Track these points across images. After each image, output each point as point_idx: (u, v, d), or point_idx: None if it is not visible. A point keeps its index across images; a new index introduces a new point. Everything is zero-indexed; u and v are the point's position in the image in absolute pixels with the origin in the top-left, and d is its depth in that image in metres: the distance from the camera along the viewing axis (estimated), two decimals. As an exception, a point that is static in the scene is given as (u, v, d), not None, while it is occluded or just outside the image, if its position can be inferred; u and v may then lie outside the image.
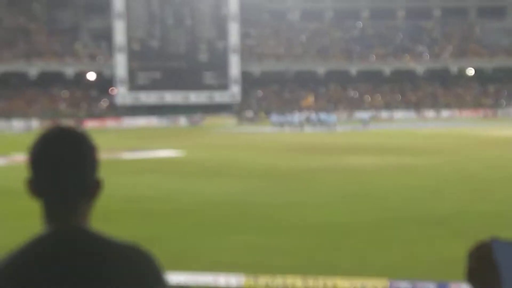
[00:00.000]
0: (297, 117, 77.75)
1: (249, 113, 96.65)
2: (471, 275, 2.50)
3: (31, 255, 2.66)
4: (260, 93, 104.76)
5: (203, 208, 21.31)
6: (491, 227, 16.51)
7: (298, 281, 10.20)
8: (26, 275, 2.63)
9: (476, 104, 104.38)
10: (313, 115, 79.40)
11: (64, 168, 2.71)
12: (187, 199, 23.26)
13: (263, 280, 10.19)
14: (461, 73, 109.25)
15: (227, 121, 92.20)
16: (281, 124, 74.76)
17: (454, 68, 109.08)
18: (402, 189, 24.62)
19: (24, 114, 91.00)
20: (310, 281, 10.24)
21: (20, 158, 38.52)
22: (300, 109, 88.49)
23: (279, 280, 10.21)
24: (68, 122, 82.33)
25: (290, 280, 10.06)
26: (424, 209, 20.19)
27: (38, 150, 2.74)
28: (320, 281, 10.24)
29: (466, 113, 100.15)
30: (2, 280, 2.65)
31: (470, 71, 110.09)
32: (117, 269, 2.61)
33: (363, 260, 13.79)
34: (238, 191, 25.33)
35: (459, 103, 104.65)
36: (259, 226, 18.27)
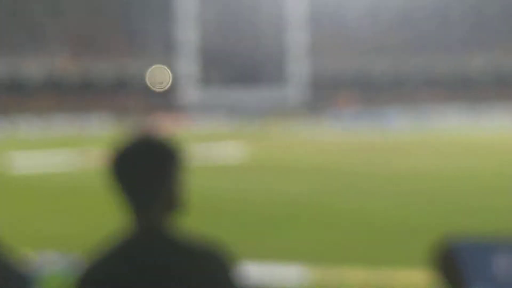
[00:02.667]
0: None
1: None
2: (435, 269, 2.72)
3: (121, 256, 2.80)
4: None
5: (270, 204, 22.63)
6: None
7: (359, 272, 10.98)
8: (117, 277, 2.78)
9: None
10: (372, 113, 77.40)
11: (142, 179, 2.83)
12: (257, 197, 24.62)
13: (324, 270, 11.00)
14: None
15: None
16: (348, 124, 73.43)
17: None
18: (469, 193, 25.07)
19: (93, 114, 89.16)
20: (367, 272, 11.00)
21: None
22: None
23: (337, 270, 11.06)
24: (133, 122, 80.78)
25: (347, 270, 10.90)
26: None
27: (122, 159, 2.85)
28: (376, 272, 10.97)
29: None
30: (96, 279, 2.81)
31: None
32: (199, 266, 2.75)
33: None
34: (303, 190, 26.43)
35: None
36: (318, 223, 19.24)
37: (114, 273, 2.76)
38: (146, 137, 2.86)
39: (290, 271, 11.60)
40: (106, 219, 13.06)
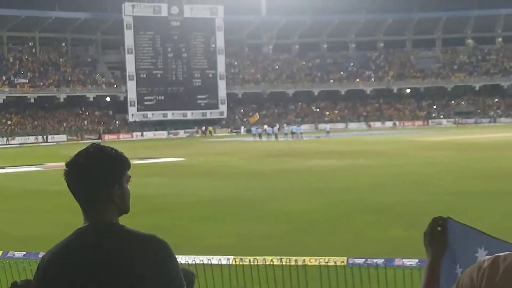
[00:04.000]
0: (271, 129, 77.82)
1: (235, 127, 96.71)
2: (429, 234, 2.69)
3: (73, 245, 2.70)
4: (242, 110, 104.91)
5: (201, 203, 21.26)
6: (426, 213, 16.54)
7: (275, 259, 10.12)
8: (68, 262, 2.66)
9: (413, 117, 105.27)
10: (285, 127, 79.60)
11: (91, 179, 2.73)
12: (188, 196, 23.20)
13: (247, 260, 10.12)
14: (401, 92, 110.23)
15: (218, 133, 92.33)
16: (260, 135, 74.70)
17: (395, 88, 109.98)
18: (356, 184, 24.69)
19: (56, 131, 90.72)
20: (284, 260, 10.18)
21: (52, 165, 38.32)
22: (273, 123, 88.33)
23: (260, 259, 10.15)
24: (90, 136, 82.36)
25: (269, 259, 9.99)
26: (373, 199, 20.24)
27: (69, 165, 2.77)
28: (293, 259, 10.17)
29: (405, 124, 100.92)
30: (49, 270, 2.69)
31: (408, 90, 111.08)
32: (141, 254, 2.62)
33: (326, 242, 13.79)
34: (227, 188, 25.30)
35: (400, 116, 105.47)
36: (244, 216, 18.24)
37: (68, 261, 2.65)
38: (91, 147, 2.82)
39: (212, 261, 10.31)
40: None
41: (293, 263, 9.85)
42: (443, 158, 35.83)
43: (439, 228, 2.67)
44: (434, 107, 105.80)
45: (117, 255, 2.62)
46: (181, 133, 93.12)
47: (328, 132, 75.30)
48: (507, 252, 2.28)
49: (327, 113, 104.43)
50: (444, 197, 20.15)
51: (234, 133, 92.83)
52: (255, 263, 9.85)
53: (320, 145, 55.96)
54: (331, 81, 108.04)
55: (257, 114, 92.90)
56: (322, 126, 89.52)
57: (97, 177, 2.73)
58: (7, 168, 39.61)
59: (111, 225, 2.73)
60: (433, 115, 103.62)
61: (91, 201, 2.74)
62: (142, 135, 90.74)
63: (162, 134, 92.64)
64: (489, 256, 2.28)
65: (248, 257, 10.15)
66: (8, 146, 77.78)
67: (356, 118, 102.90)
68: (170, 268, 2.66)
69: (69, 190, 2.78)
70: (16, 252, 11.19)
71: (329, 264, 10.27)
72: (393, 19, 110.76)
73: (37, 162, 43.00)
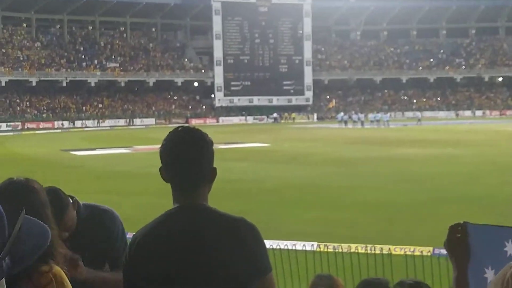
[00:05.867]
0: (357, 116, 77.06)
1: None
2: (448, 244, 2.63)
3: (163, 227, 2.74)
4: (328, 97, 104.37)
5: (284, 189, 21.31)
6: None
7: (359, 247, 10.08)
8: (159, 242, 2.70)
9: (505, 106, 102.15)
10: (371, 115, 78.73)
11: (186, 161, 2.74)
12: (271, 181, 23.30)
13: (331, 246, 10.10)
14: (492, 80, 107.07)
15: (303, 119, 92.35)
16: (345, 122, 74.19)
17: (486, 76, 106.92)
18: (444, 175, 24.17)
19: (145, 114, 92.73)
20: (369, 248, 10.12)
21: (141, 148, 39.19)
22: (361, 110, 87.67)
23: (344, 246, 10.12)
24: (177, 120, 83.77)
25: (353, 246, 9.95)
26: (461, 191, 19.79)
27: (167, 145, 2.79)
28: (378, 247, 10.10)
29: (496, 113, 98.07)
30: (142, 248, 2.73)
31: (500, 79, 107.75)
32: (230, 236, 2.66)
33: (412, 232, 13.60)
34: (312, 175, 25.23)
35: (490, 105, 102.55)
36: (329, 203, 18.17)
37: (160, 242, 2.68)
38: (189, 128, 2.87)
39: (296, 246, 10.33)
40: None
41: (378, 251, 9.76)
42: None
43: (458, 235, 2.60)
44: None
45: (208, 237, 2.66)
46: (266, 119, 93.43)
47: (419, 120, 74.03)
48: None
49: (415, 101, 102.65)
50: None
51: (319, 120, 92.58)
52: (340, 250, 9.82)
53: (407, 133, 55.07)
54: (420, 68, 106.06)
55: (333, 101, 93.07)
56: (409, 114, 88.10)
57: (204, 155, 2.78)
58: (98, 150, 40.75)
59: (203, 207, 2.76)
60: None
61: (193, 181, 2.76)
62: (227, 120, 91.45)
63: (248, 119, 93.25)
64: None
65: (333, 244, 10.13)
66: (99, 128, 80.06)
67: (445, 107, 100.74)
68: (258, 251, 2.69)
69: (165, 168, 2.79)
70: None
71: (414, 253, 10.12)
72: (486, 5, 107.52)
73: (126, 144, 44.06)
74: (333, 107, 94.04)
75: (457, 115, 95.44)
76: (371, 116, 76.84)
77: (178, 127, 2.92)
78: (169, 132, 2.87)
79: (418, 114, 79.55)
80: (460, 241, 2.59)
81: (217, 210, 2.77)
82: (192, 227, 2.69)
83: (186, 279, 2.61)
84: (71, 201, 3.68)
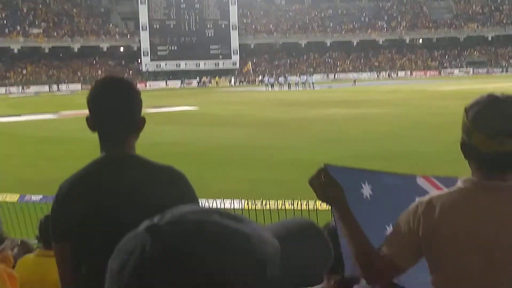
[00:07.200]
0: (283, 79, 77.49)
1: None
2: (320, 190, 2.55)
3: (91, 176, 2.71)
4: (254, 60, 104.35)
5: (213, 150, 21.33)
6: (436, 162, 16.55)
7: (287, 204, 10.20)
8: (88, 190, 2.68)
9: (425, 67, 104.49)
10: (296, 77, 79.20)
11: (115, 108, 2.70)
12: (200, 144, 23.28)
13: (259, 203, 10.19)
14: (413, 42, 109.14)
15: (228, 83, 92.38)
16: (272, 85, 74.42)
17: (407, 39, 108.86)
18: (367, 134, 24.65)
19: (70, 80, 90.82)
20: (296, 204, 10.24)
21: (67, 114, 38.47)
22: (285, 73, 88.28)
23: (272, 203, 10.22)
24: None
25: (280, 203, 10.07)
26: (384, 149, 20.22)
27: (95, 93, 2.75)
28: (304, 203, 10.25)
29: (417, 74, 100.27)
30: (69, 197, 2.70)
31: (420, 41, 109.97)
32: (159, 182, 2.64)
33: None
34: (240, 136, 25.34)
35: (412, 66, 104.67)
36: (257, 163, 18.30)
37: (87, 189, 2.65)
38: (117, 77, 2.83)
39: (225, 204, 10.39)
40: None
41: (304, 207, 9.89)
42: (455, 107, 35.59)
43: (322, 180, 2.55)
44: (447, 57, 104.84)
45: (136, 184, 2.64)
46: (194, 82, 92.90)
47: (355, 81, 75.98)
48: (439, 193, 2.35)
49: (339, 63, 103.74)
50: (455, 146, 20.06)
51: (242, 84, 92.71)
52: (267, 207, 9.91)
53: (332, 94, 55.70)
54: (344, 31, 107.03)
55: (249, 63, 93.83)
56: (332, 76, 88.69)
57: (133, 104, 2.74)
58: (23, 116, 39.78)
59: (131, 155, 2.74)
60: (446, 65, 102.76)
61: (121, 129, 2.72)
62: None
63: (175, 83, 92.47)
64: (423, 199, 2.32)
65: (260, 201, 10.21)
66: (23, 94, 78.00)
67: (368, 69, 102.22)
68: (188, 194, 2.69)
69: (94, 117, 2.73)
70: (33, 196, 11.30)
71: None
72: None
73: (52, 110, 43.13)
74: (249, 70, 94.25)
75: (380, 76, 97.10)
76: (296, 79, 77.39)
77: (105, 76, 2.88)
78: (97, 81, 2.81)
79: (354, 75, 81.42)
80: (329, 181, 2.53)
81: (146, 159, 2.75)
82: (120, 174, 2.67)
83: (115, 225, 2.52)
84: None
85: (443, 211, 2.24)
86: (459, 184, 2.35)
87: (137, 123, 2.75)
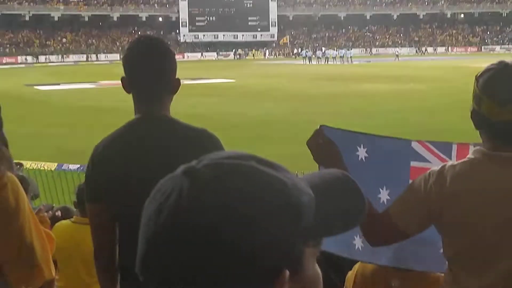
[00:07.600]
0: (321, 52, 76.91)
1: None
2: (317, 152, 2.55)
3: (123, 135, 2.73)
4: (292, 33, 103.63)
5: (250, 123, 21.38)
6: (474, 140, 16.29)
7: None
8: (120, 150, 2.71)
9: (466, 43, 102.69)
10: (334, 51, 78.56)
11: (150, 66, 2.68)
12: (237, 116, 23.36)
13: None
14: (454, 17, 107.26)
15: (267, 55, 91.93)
16: (310, 58, 73.98)
17: (448, 13, 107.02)
18: (405, 109, 24.44)
19: (109, 50, 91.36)
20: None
21: (106, 83, 38.78)
22: (325, 46, 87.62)
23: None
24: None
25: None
26: (422, 125, 20.05)
27: (130, 52, 2.74)
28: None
29: (458, 50, 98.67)
30: (103, 156, 2.73)
31: (461, 15, 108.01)
32: (192, 144, 2.63)
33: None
34: (277, 110, 25.33)
35: (452, 42, 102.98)
36: (294, 138, 18.27)
37: (121, 150, 2.68)
38: (153, 37, 2.83)
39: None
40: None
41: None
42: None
43: (320, 141, 2.56)
44: (488, 33, 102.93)
45: (169, 144, 2.66)
46: (231, 55, 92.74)
47: (397, 56, 74.92)
48: (451, 163, 2.34)
49: (378, 37, 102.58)
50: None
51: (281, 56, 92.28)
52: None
53: (370, 69, 55.21)
54: (384, 4, 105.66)
55: (287, 36, 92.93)
56: (373, 51, 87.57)
57: (169, 65, 2.73)
58: (62, 85, 40.21)
59: (165, 117, 2.74)
60: (487, 41, 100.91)
61: (157, 91, 2.72)
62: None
63: (212, 55, 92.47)
64: (435, 168, 2.33)
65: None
66: (63, 63, 78.76)
67: (408, 44, 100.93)
68: None
69: (129, 78, 2.74)
70: (70, 165, 11.47)
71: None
72: None
73: (91, 79, 43.51)
74: (286, 42, 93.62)
75: (420, 51, 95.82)
76: (334, 52, 76.77)
77: (141, 36, 2.86)
78: (132, 41, 2.80)
79: (397, 50, 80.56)
80: (327, 143, 2.54)
81: (179, 121, 2.76)
82: (153, 134, 2.67)
83: (146, 185, 2.57)
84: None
85: (453, 181, 2.24)
86: (470, 154, 2.34)
87: (172, 83, 2.74)
